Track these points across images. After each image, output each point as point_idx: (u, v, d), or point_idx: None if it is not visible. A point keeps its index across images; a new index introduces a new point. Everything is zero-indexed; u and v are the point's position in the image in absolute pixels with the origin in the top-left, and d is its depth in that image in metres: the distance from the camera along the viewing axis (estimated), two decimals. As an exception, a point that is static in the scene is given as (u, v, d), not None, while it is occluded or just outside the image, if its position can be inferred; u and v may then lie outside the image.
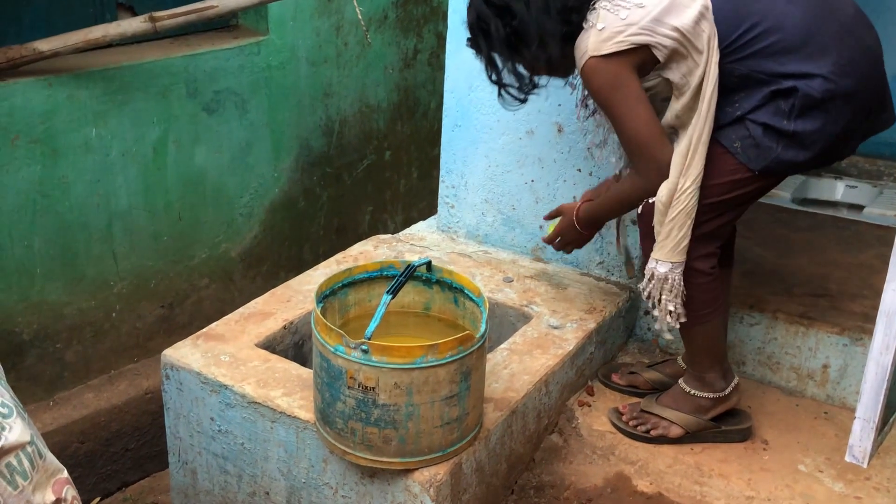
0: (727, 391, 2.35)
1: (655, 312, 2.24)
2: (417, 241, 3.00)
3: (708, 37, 2.01)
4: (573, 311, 2.60)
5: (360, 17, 3.27)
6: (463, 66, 2.82)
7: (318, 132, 3.80)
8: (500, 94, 2.27)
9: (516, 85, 2.24)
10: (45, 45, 2.77)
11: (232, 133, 3.42)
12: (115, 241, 3.14)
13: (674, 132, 2.14)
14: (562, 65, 2.18)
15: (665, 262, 2.16)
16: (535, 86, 2.26)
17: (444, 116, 2.92)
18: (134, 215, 3.17)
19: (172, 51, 3.21)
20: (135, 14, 3.16)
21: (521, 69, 2.21)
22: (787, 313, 2.59)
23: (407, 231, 3.13)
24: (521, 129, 2.77)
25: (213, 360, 2.29)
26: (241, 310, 2.54)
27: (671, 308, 2.20)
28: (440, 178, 3.02)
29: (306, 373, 2.25)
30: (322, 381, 1.96)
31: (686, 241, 2.14)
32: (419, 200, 4.47)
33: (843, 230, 3.18)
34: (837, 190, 3.73)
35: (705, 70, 2.03)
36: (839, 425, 2.47)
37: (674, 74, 2.05)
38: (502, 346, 2.44)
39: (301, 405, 2.13)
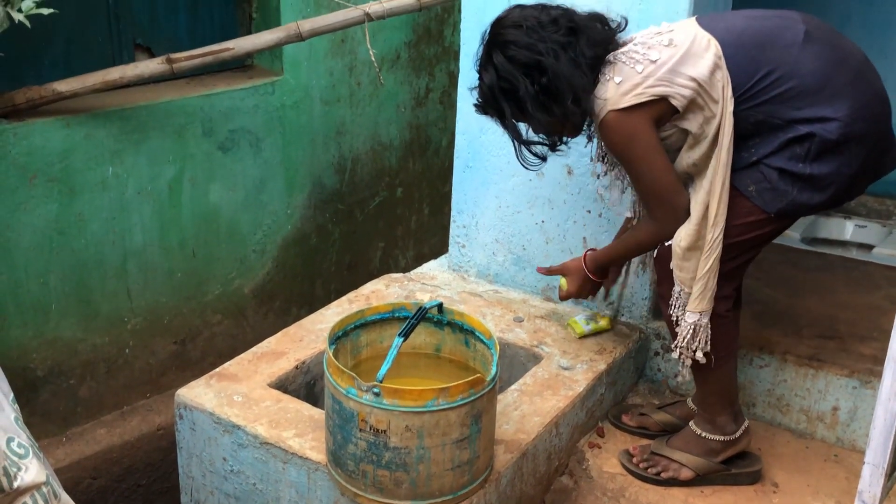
0: (738, 434, 2.36)
1: (675, 355, 2.26)
2: (429, 280, 3.03)
3: (722, 86, 2.04)
4: (583, 352, 2.62)
5: (373, 58, 3.33)
6: (475, 108, 2.85)
7: (331, 170, 3.85)
8: (519, 155, 2.23)
9: (542, 143, 2.22)
10: (63, 86, 2.82)
11: (246, 171, 3.47)
12: (130, 277, 3.17)
13: (689, 179, 2.16)
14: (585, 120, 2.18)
15: (695, 312, 2.19)
16: (564, 142, 2.25)
17: (455, 157, 2.96)
18: (148, 252, 3.21)
19: (188, 91, 3.26)
20: (152, 55, 3.22)
21: (543, 128, 2.17)
22: (797, 355, 2.60)
23: (418, 270, 3.15)
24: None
25: (225, 399, 2.31)
26: (253, 349, 2.56)
27: (700, 355, 2.23)
28: (451, 218, 3.05)
29: (318, 413, 2.27)
30: (334, 422, 1.98)
31: (714, 290, 2.16)
32: (431, 236, 4.51)
33: (852, 271, 3.19)
34: (847, 230, 3.75)
35: (721, 119, 2.05)
36: (849, 468, 2.47)
37: (691, 125, 2.07)
38: (513, 387, 2.45)
39: (313, 446, 2.15)
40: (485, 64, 2.14)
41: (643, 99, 2.03)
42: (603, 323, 2.72)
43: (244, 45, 3.07)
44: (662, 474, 2.38)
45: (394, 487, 1.95)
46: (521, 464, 2.20)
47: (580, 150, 2.69)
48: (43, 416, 3.02)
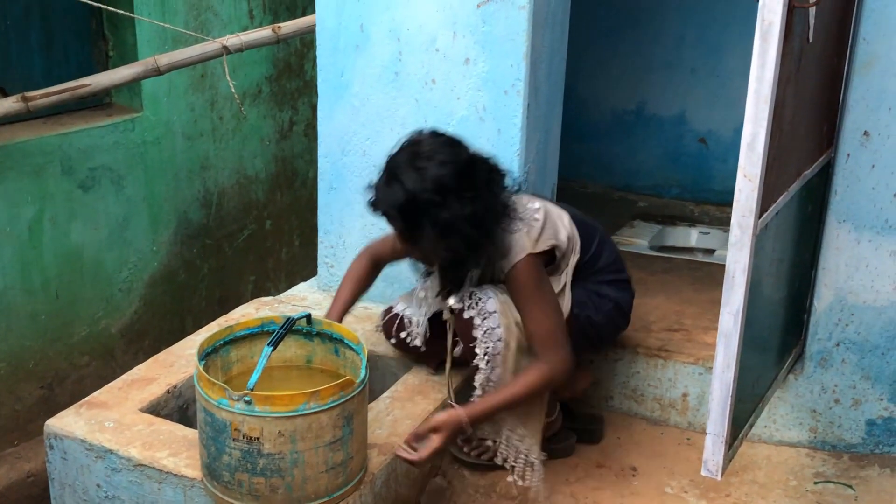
0: (553, 416, 2.54)
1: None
2: (299, 302, 3.08)
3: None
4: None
5: (233, 90, 3.39)
6: (335, 132, 2.95)
7: (197, 204, 3.87)
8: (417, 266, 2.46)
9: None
10: (-87, 126, 2.77)
11: (108, 209, 3.45)
12: (-9, 321, 3.10)
13: None
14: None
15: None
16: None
17: (319, 180, 3.04)
18: (10, 295, 3.15)
19: (46, 130, 3.25)
20: (6, 94, 3.18)
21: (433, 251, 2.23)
22: (647, 347, 2.78)
23: (289, 292, 3.20)
24: (393, 189, 2.91)
25: (97, 426, 2.30)
26: (123, 377, 2.56)
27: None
28: (319, 240, 3.12)
29: (192, 433, 2.28)
30: (207, 435, 2.01)
31: None
32: (302, 268, 4.55)
33: (696, 271, 3.44)
34: (692, 237, 4.01)
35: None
36: (701, 450, 2.62)
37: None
38: (384, 394, 2.53)
39: (187, 463, 2.17)
40: (406, 168, 2.11)
41: (547, 246, 2.29)
42: None
43: (101, 81, 3.09)
44: (496, 458, 2.49)
45: (270, 494, 1.99)
46: (394, 465, 2.28)
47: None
48: None
